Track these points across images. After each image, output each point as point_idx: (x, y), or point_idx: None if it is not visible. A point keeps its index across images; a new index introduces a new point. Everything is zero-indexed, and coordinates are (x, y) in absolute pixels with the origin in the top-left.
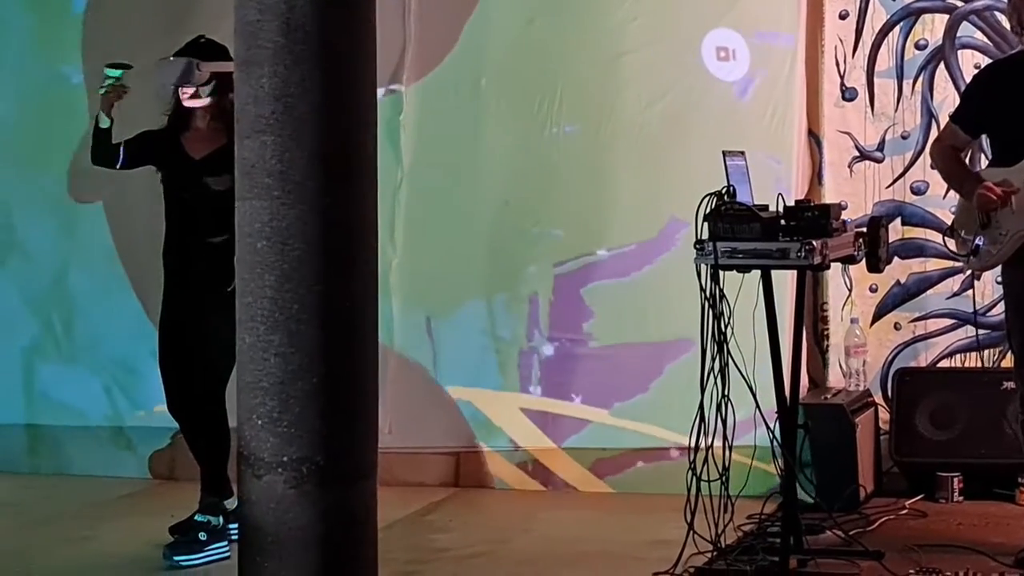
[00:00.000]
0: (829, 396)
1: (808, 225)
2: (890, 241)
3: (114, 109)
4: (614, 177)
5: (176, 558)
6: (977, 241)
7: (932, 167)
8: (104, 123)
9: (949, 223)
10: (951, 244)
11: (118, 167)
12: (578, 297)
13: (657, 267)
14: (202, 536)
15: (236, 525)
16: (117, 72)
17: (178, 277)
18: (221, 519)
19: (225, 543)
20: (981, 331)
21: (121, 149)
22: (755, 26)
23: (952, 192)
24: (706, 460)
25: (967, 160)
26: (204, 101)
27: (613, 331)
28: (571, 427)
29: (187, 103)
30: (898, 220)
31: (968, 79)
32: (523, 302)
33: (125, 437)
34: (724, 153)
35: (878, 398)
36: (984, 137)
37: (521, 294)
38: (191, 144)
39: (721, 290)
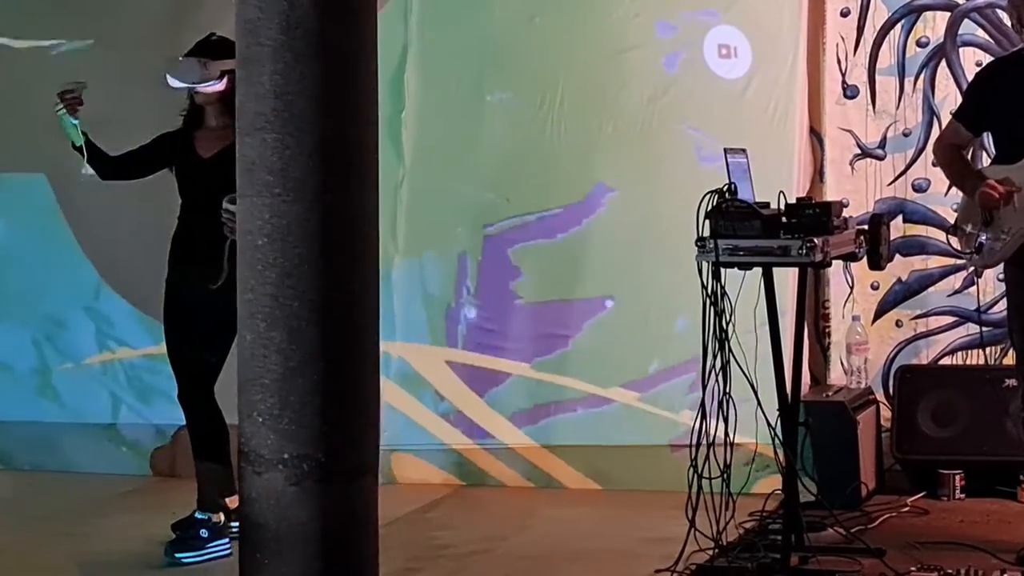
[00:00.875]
0: (831, 393)
1: (809, 222)
2: (891, 238)
3: (78, 113)
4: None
5: (177, 555)
6: (980, 239)
7: (935, 164)
8: (78, 141)
9: (952, 221)
10: (954, 242)
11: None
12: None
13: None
14: (203, 533)
15: (237, 523)
16: (69, 86)
17: (182, 272)
18: (223, 516)
19: (226, 540)
20: (983, 328)
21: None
22: (757, 24)
23: (953, 190)
24: (707, 457)
25: (969, 158)
26: (211, 96)
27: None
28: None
29: (199, 101)
30: (899, 217)
31: (969, 76)
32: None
33: (122, 434)
34: (725, 150)
35: (880, 395)
36: (986, 135)
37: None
38: (201, 143)
39: (723, 287)
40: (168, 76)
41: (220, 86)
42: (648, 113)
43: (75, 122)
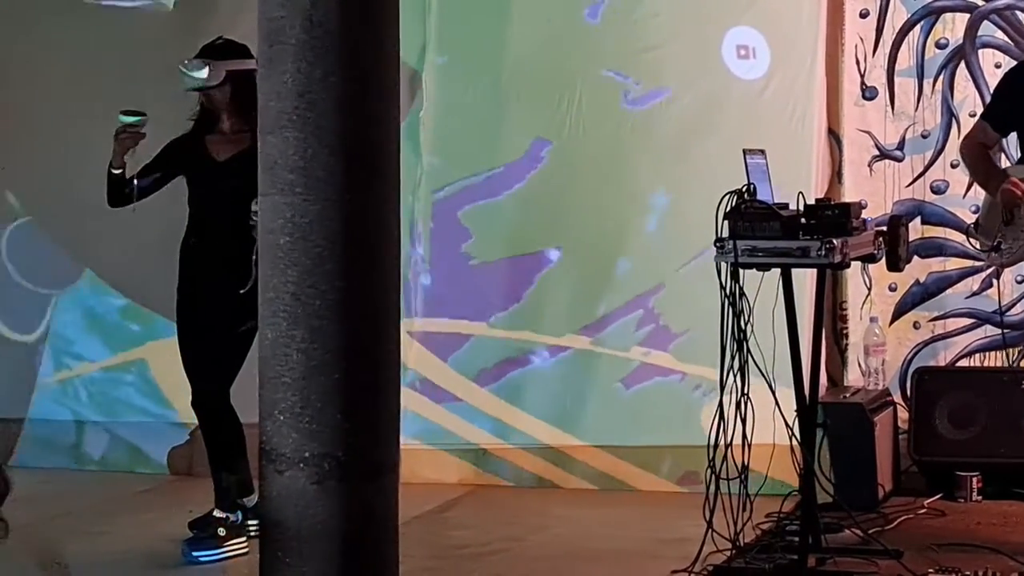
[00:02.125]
0: (848, 395)
1: (829, 224)
2: (910, 240)
3: (129, 154)
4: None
5: (194, 553)
6: (1000, 237)
7: (953, 166)
8: (117, 170)
9: (972, 220)
10: (974, 241)
11: (134, 202)
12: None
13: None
14: (220, 532)
15: (256, 522)
16: (133, 119)
17: (193, 276)
18: (240, 515)
19: (244, 539)
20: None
21: (134, 183)
22: (775, 25)
23: (972, 192)
24: (725, 458)
25: None
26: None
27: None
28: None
29: (210, 105)
30: (918, 219)
31: (988, 78)
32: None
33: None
34: (744, 151)
35: (897, 397)
36: (1009, 138)
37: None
38: (215, 146)
39: (741, 288)
40: (181, 76)
41: (216, 82)
42: (665, 115)
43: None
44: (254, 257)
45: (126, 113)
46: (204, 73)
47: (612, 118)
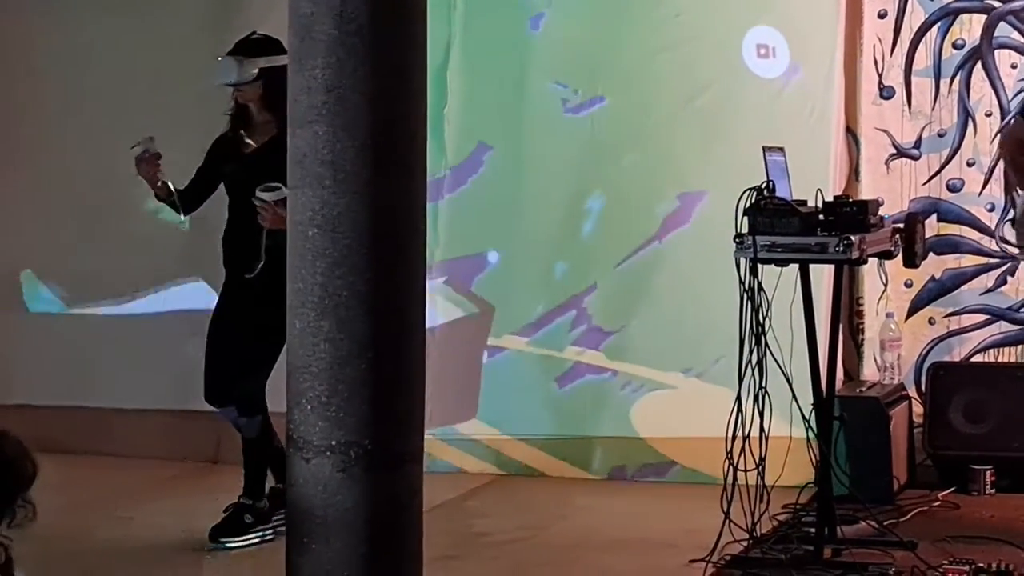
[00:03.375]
0: (864, 389)
1: (847, 220)
2: (926, 237)
3: (160, 173)
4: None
5: (221, 539)
6: None
7: (972, 163)
8: (174, 195)
9: (987, 221)
10: (1010, 235)
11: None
12: None
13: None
14: (247, 519)
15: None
16: (139, 148)
17: (232, 267)
18: (266, 503)
19: (270, 527)
20: (1015, 327)
21: (175, 198)
22: (794, 24)
23: (987, 189)
24: (743, 450)
25: None
26: (251, 94)
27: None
28: None
29: (241, 99)
30: (934, 216)
31: (1005, 79)
32: None
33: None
34: (764, 149)
35: (912, 392)
36: None
37: None
38: (251, 138)
39: (759, 283)
40: (214, 76)
41: (249, 78)
42: (687, 114)
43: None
44: (263, 243)
45: (133, 148)
46: (234, 73)
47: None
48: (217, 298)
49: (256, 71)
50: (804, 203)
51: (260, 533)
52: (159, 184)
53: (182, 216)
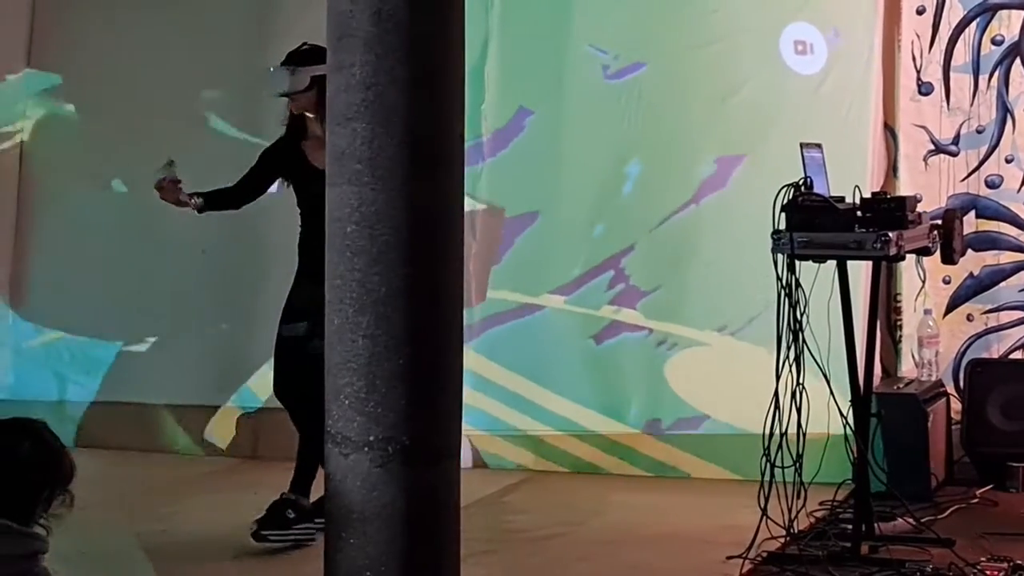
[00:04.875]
0: (902, 386)
1: (884, 217)
2: (964, 234)
3: (182, 194)
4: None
5: (263, 531)
6: None
7: (1011, 159)
8: (199, 207)
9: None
10: None
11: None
12: None
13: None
14: (290, 514)
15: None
16: (159, 173)
17: (308, 271)
18: (308, 502)
19: (312, 527)
20: None
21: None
22: (832, 20)
23: None
24: (780, 447)
25: None
26: (305, 103)
27: None
28: None
29: (295, 109)
30: (972, 213)
31: None
32: None
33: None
34: (801, 145)
35: (950, 388)
36: None
37: None
38: (312, 152)
39: (797, 280)
40: (269, 84)
41: (301, 87)
42: (725, 110)
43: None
44: None
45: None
46: (286, 83)
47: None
48: (287, 298)
49: (308, 80)
50: (842, 199)
51: (302, 530)
52: (185, 204)
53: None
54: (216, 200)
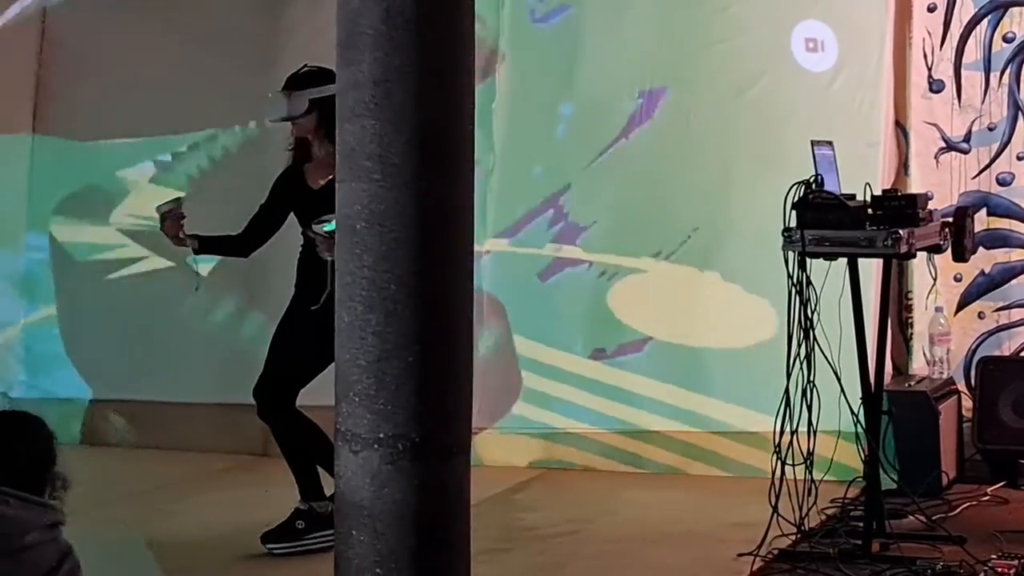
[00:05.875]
0: (913, 383)
1: (895, 214)
2: (975, 231)
3: (182, 232)
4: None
5: (268, 545)
6: None
7: (1022, 157)
8: (195, 248)
9: None
10: None
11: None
12: None
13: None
14: (299, 524)
15: None
16: (165, 205)
17: (302, 291)
18: (329, 505)
19: (330, 531)
20: None
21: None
22: (844, 18)
23: None
24: (791, 444)
25: None
26: (307, 127)
27: None
28: None
29: (297, 133)
30: (983, 210)
31: None
32: None
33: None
34: (812, 143)
35: (961, 386)
36: None
37: None
38: (312, 174)
39: (808, 277)
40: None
41: (300, 111)
42: (736, 107)
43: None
44: (328, 273)
45: (161, 206)
46: (284, 108)
47: None
48: (285, 310)
49: (307, 103)
50: (853, 197)
51: (316, 539)
52: (180, 240)
53: (198, 272)
54: (215, 246)
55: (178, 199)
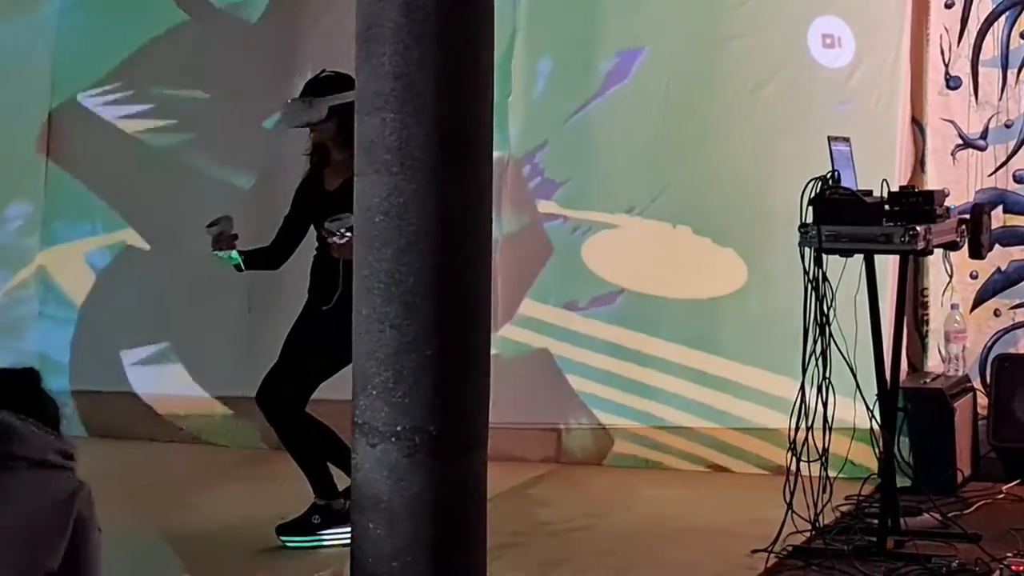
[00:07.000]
0: (928, 381)
1: (912, 211)
2: (992, 228)
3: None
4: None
5: (282, 537)
6: None
7: None
8: (238, 261)
9: None
10: None
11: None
12: None
13: None
14: (315, 519)
15: None
16: (214, 228)
17: (315, 293)
18: (344, 502)
19: (346, 529)
20: None
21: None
22: (861, 14)
23: None
24: (806, 441)
25: None
26: (326, 133)
27: None
28: None
29: (315, 139)
30: (1000, 208)
31: None
32: None
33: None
34: (829, 138)
35: (976, 383)
36: None
37: None
38: (329, 177)
39: (824, 273)
40: (284, 117)
41: (319, 118)
42: (752, 102)
43: (236, 258)
44: (340, 273)
45: (209, 226)
46: (303, 115)
47: None
48: (299, 314)
49: (326, 110)
50: (869, 193)
51: (333, 535)
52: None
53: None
54: (254, 259)
55: (227, 218)
